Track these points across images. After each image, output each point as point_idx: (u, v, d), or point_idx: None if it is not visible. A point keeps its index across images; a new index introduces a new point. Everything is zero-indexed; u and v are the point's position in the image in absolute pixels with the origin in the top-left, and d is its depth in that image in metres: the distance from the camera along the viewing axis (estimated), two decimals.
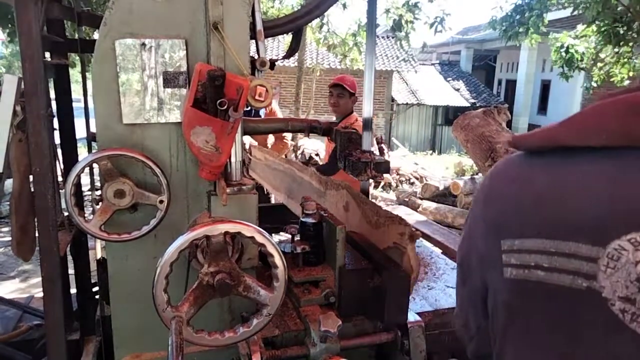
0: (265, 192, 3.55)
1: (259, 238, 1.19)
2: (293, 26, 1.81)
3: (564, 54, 9.18)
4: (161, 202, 1.48)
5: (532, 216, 0.77)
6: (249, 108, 1.42)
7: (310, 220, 1.60)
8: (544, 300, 0.76)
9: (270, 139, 4.05)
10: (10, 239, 1.71)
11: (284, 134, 4.06)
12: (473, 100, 19.24)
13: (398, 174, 9.85)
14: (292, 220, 2.35)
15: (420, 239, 2.80)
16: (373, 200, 2.01)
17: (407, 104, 18.90)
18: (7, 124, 1.53)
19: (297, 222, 1.65)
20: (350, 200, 1.88)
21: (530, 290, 0.77)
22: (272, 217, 2.44)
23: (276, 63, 1.75)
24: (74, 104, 2.09)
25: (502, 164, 0.90)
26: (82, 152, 2.00)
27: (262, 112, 3.72)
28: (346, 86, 3.53)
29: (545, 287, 0.75)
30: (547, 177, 0.78)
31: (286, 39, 12.91)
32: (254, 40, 1.55)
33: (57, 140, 1.93)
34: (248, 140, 3.29)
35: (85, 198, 2.57)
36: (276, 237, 2.25)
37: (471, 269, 0.92)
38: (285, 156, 4.02)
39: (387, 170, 1.79)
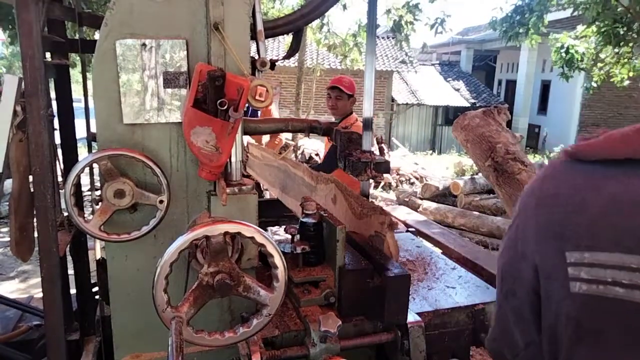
0: (262, 188, 3.56)
1: (259, 238, 1.19)
2: (293, 26, 1.82)
3: (564, 54, 9.18)
4: (161, 202, 1.48)
5: (606, 228, 0.72)
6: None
7: (310, 220, 1.60)
8: (624, 319, 0.71)
9: (265, 136, 4.05)
10: (9, 239, 1.70)
11: None
12: (473, 101, 19.23)
13: (398, 174, 9.85)
14: (286, 214, 2.38)
15: (421, 239, 2.80)
16: (372, 200, 2.03)
17: (407, 104, 18.88)
18: (7, 124, 1.53)
19: (291, 215, 1.66)
20: (337, 193, 1.96)
21: (606, 308, 0.72)
22: (267, 212, 2.47)
23: (276, 63, 1.75)
24: (75, 104, 2.09)
25: (556, 169, 0.84)
26: (82, 152, 2.00)
27: (259, 112, 3.73)
28: (343, 88, 3.49)
29: (625, 305, 0.70)
30: (621, 188, 0.73)
31: (286, 40, 12.92)
32: (254, 41, 1.55)
33: (57, 140, 1.93)
34: (246, 137, 3.29)
35: (85, 198, 2.57)
36: (272, 233, 2.27)
37: (520, 280, 0.85)
38: (282, 152, 4.04)
39: (387, 170, 1.79)
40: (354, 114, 3.61)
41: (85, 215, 1.56)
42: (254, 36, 1.53)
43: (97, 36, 1.50)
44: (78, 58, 2.33)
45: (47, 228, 1.51)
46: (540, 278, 0.82)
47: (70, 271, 2.11)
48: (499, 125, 2.99)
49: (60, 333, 1.61)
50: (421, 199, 8.15)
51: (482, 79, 22.79)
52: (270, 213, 2.51)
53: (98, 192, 1.50)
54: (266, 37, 1.58)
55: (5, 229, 6.36)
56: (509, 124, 3.18)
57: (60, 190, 1.58)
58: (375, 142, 1.96)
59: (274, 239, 1.24)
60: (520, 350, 0.89)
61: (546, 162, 11.88)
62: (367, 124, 1.96)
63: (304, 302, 1.51)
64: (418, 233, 2.82)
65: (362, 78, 1.99)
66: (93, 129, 1.61)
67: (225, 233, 1.19)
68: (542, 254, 0.81)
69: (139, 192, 1.48)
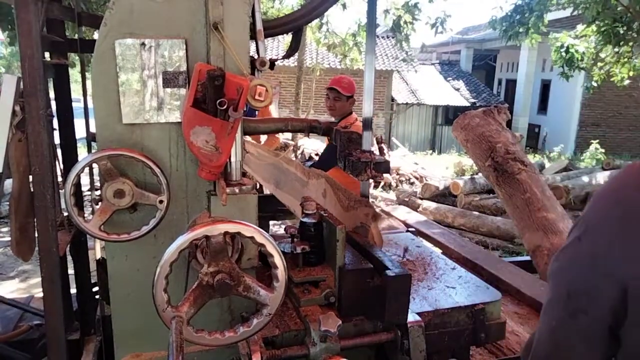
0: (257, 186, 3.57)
1: (259, 238, 1.19)
2: (293, 26, 1.82)
3: (564, 53, 9.18)
4: (161, 202, 1.47)
5: None
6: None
7: (310, 220, 1.60)
8: None
9: (263, 136, 4.06)
10: (10, 239, 1.71)
11: None
12: (473, 100, 19.22)
13: (398, 174, 9.84)
14: (280, 208, 2.40)
15: (421, 239, 2.80)
16: (373, 200, 2.06)
17: (407, 103, 18.88)
18: (7, 124, 1.53)
19: (285, 210, 1.67)
20: (327, 187, 2.04)
21: None
22: (264, 207, 2.50)
23: (276, 63, 1.75)
24: (74, 104, 2.09)
25: None
26: (82, 152, 2.00)
27: (256, 112, 3.72)
28: (341, 90, 3.48)
29: None
30: None
31: (286, 39, 12.92)
32: (253, 40, 1.55)
33: (57, 140, 1.93)
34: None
35: (85, 198, 2.58)
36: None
37: (597, 300, 0.80)
38: (280, 149, 4.04)
39: (387, 170, 1.79)
40: (354, 114, 3.60)
41: (85, 215, 1.56)
42: (253, 36, 1.53)
43: (96, 36, 1.50)
44: (77, 58, 2.33)
45: (47, 228, 1.51)
46: (629, 299, 0.76)
47: (71, 271, 2.11)
48: (499, 125, 2.99)
49: (60, 333, 1.61)
50: (421, 198, 8.14)
51: (482, 79, 22.78)
52: (267, 208, 2.54)
53: (98, 192, 1.50)
54: (266, 37, 1.58)
55: (6, 229, 6.37)
56: (509, 123, 3.19)
57: (60, 190, 1.58)
58: (375, 141, 1.96)
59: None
60: None
61: (551, 160, 11.86)
62: (367, 124, 1.96)
63: (304, 302, 1.51)
64: (418, 233, 2.83)
65: (361, 77, 1.99)
66: (92, 129, 1.60)
67: (225, 233, 1.18)
68: (636, 274, 0.75)
69: (139, 192, 1.48)
